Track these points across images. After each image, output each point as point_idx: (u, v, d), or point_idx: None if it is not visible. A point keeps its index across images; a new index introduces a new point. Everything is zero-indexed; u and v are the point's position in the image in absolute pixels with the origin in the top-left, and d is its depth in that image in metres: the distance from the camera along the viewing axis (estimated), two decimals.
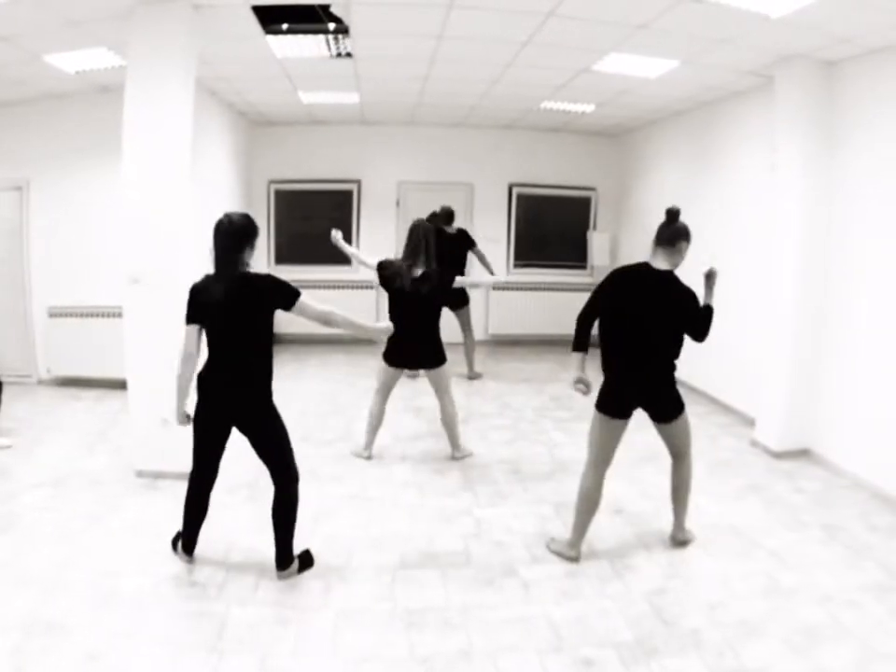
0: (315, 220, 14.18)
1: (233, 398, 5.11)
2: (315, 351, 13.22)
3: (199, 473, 5.40)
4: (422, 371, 7.89)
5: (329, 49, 8.17)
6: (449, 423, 7.74)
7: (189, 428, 5.26)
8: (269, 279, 4.96)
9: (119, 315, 6.93)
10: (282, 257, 14.31)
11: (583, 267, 15.01)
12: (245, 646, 4.38)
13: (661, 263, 5.43)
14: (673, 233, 5.40)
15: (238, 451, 7.79)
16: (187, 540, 5.39)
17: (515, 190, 14.76)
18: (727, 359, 9.76)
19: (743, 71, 8.46)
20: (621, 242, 14.60)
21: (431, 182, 14.42)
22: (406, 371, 7.84)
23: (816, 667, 4.27)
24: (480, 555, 5.67)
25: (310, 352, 13.13)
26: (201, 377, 5.14)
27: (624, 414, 5.64)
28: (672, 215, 5.43)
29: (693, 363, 11.00)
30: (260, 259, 14.02)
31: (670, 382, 5.60)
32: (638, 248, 13.40)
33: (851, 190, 7.47)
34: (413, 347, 7.36)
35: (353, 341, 13.39)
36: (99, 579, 5.07)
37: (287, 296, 4.94)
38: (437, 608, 4.90)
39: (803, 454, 7.98)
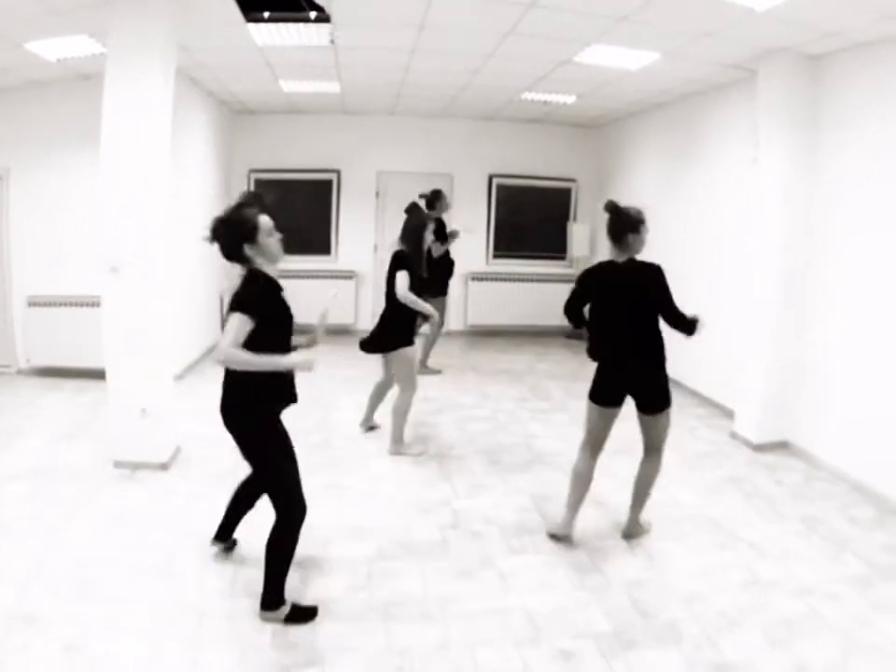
0: (295, 210, 14.15)
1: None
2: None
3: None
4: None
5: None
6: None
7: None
8: (242, 282, 4.47)
9: (99, 304, 6.89)
10: None
11: (563, 258, 15.04)
12: (223, 638, 4.38)
13: (620, 257, 5.51)
14: (616, 229, 5.47)
15: (215, 441, 7.79)
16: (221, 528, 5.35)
17: (495, 181, 14.78)
18: (707, 352, 9.77)
19: (726, 64, 8.46)
20: (600, 233, 14.53)
21: (411, 172, 14.39)
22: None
23: (796, 660, 4.29)
24: (457, 546, 5.67)
25: None
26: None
27: (613, 402, 5.69)
28: (610, 210, 5.52)
29: (672, 355, 11.06)
30: None
31: (655, 369, 5.66)
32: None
33: (834, 185, 7.49)
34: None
35: (331, 330, 13.35)
36: (77, 571, 5.04)
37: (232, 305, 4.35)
38: (414, 599, 4.90)
39: (782, 446, 8.01)
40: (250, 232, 4.38)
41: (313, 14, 7.23)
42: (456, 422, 8.47)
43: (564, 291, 14.54)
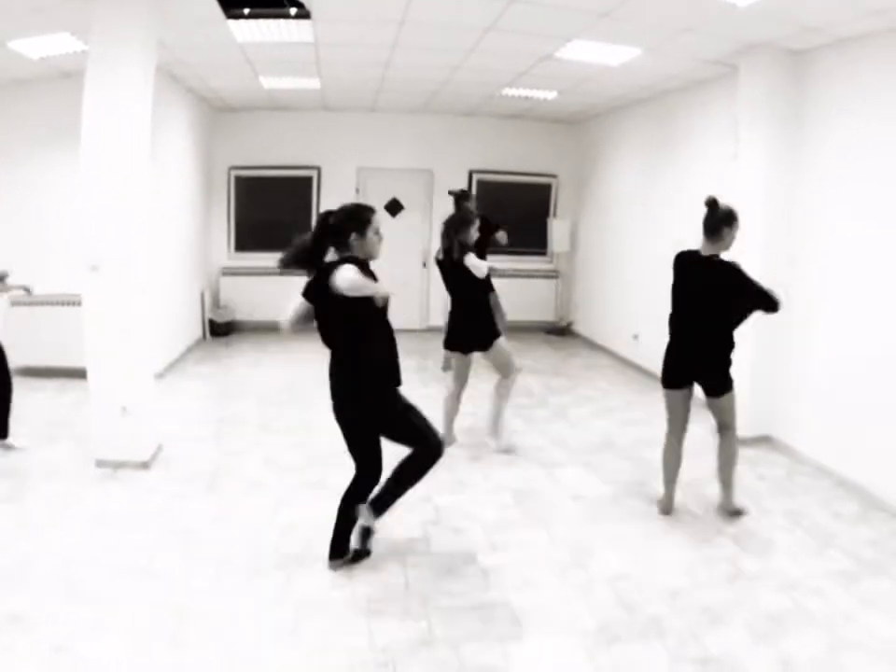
0: (275, 207, 14.10)
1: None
2: (274, 338, 13.11)
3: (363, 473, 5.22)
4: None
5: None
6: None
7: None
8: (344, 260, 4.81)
9: (80, 303, 6.85)
10: (242, 243, 14.20)
11: (543, 253, 15.04)
12: (207, 637, 4.35)
13: (706, 250, 5.89)
14: (713, 222, 5.79)
15: (196, 439, 7.77)
16: (336, 544, 5.25)
17: (476, 177, 14.75)
18: None
19: (707, 60, 8.47)
20: (581, 228, 14.63)
21: (391, 168, 14.41)
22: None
23: (782, 655, 4.30)
24: (440, 543, 5.67)
25: (270, 339, 13.04)
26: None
27: (674, 385, 6.16)
28: (710, 205, 5.82)
29: (653, 349, 11.06)
30: (220, 246, 13.94)
31: (716, 357, 5.97)
32: (599, 235, 13.46)
33: (816, 181, 7.51)
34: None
35: (313, 328, 13.34)
36: (62, 571, 5.01)
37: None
38: (397, 595, 4.89)
39: (764, 440, 8.02)
40: (362, 224, 4.81)
41: (293, 10, 7.21)
42: (439, 419, 8.46)
43: (544, 287, 14.57)
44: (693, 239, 9.55)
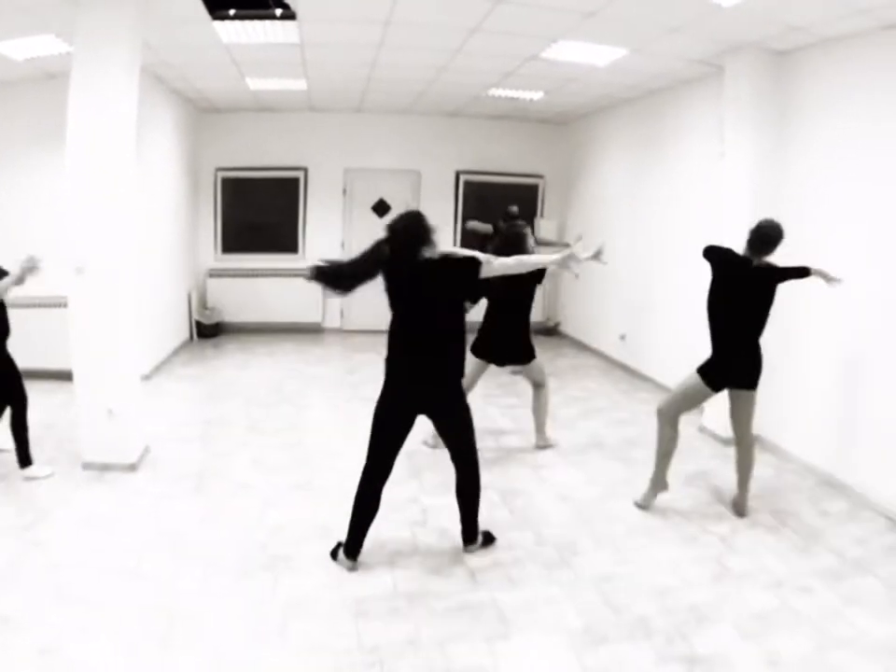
0: (262, 209, 14.08)
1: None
2: (262, 340, 13.13)
3: (374, 467, 5.29)
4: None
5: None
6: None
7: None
8: (444, 258, 5.04)
9: (65, 305, 6.82)
10: (229, 245, 14.13)
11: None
12: (196, 638, 4.35)
13: (755, 260, 6.08)
14: (764, 240, 6.03)
15: (183, 440, 7.75)
16: (353, 543, 5.28)
17: (462, 178, 14.74)
18: (674, 345, 9.79)
19: (693, 60, 8.49)
20: (568, 229, 14.61)
21: (378, 169, 14.38)
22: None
23: (769, 653, 4.31)
24: (427, 543, 5.67)
25: (257, 341, 13.04)
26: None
27: (721, 388, 6.27)
28: (762, 226, 6.08)
29: (640, 349, 11.08)
30: (207, 248, 13.89)
31: (753, 357, 6.17)
32: (586, 235, 13.45)
33: (801, 179, 7.53)
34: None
35: (300, 329, 13.35)
36: (50, 573, 5.00)
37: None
38: (385, 596, 4.89)
39: None
40: (430, 235, 5.00)
41: (278, 11, 7.21)
42: (424, 419, 8.46)
43: (532, 287, 14.46)
44: (681, 237, 9.58)
